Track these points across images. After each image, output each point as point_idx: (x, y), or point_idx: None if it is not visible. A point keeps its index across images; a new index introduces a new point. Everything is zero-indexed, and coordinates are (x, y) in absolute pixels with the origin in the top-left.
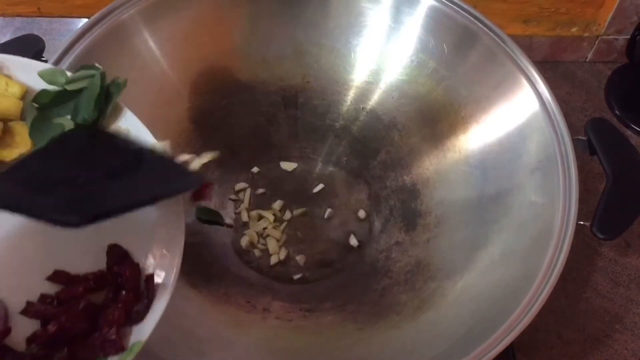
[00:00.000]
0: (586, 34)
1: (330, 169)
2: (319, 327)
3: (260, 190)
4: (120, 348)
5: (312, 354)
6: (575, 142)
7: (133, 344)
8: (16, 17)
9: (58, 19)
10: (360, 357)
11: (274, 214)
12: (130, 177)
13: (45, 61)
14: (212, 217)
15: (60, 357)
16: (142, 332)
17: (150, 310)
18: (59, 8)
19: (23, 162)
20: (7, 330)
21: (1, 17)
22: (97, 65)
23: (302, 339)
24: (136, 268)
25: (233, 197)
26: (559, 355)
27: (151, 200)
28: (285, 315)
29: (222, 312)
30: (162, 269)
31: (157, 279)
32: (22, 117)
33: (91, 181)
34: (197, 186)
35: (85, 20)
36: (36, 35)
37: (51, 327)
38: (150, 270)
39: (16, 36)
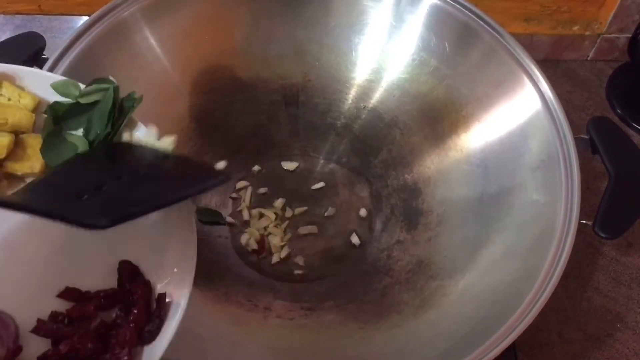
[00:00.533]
0: (587, 33)
1: (332, 167)
2: (320, 326)
3: (262, 189)
4: None
5: (313, 352)
6: (577, 140)
7: None
8: (16, 15)
9: (58, 16)
10: (361, 356)
11: (275, 213)
12: (154, 180)
13: (46, 59)
14: (212, 218)
15: None
16: (153, 353)
17: (162, 331)
18: (59, 5)
19: (47, 177)
20: (19, 349)
21: (1, 15)
22: (111, 78)
23: (303, 338)
24: (147, 286)
25: (234, 195)
26: (561, 355)
27: (175, 199)
28: (287, 314)
29: (223, 311)
30: (174, 288)
31: (169, 299)
32: (34, 129)
33: (115, 187)
34: (223, 183)
35: (85, 18)
36: (37, 33)
37: (63, 347)
38: (161, 289)
39: (16, 34)
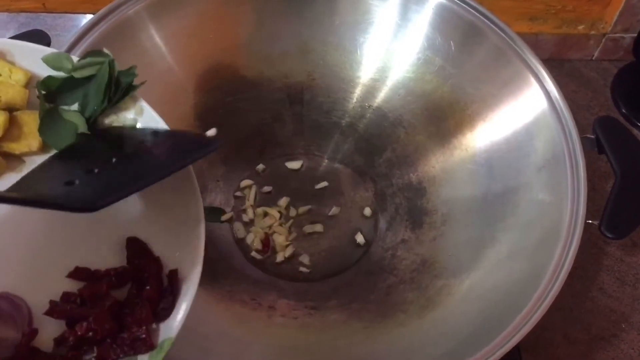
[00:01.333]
0: (593, 32)
1: (336, 166)
2: (324, 325)
3: (266, 188)
4: (150, 346)
5: (317, 352)
6: (582, 140)
7: (163, 341)
8: (20, 13)
9: (63, 14)
10: (365, 355)
11: (280, 212)
12: (145, 156)
13: None
14: (215, 216)
15: (90, 357)
16: (170, 328)
17: (176, 306)
18: (63, 4)
19: (35, 171)
20: (34, 332)
21: (6, 13)
22: (105, 51)
23: (307, 337)
24: (157, 262)
25: (238, 194)
26: (565, 355)
27: (167, 172)
28: (291, 313)
29: (226, 310)
30: (184, 263)
31: (180, 274)
32: (27, 105)
33: (105, 169)
34: (215, 150)
35: (90, 16)
36: (42, 31)
37: (79, 329)
38: (172, 265)
39: (20, 32)
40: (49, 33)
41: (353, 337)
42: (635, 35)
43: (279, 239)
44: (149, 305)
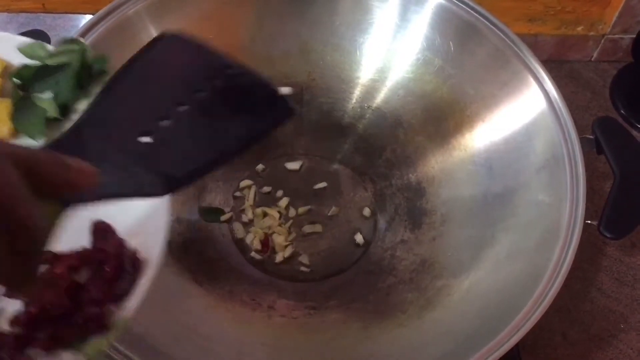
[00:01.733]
0: (592, 33)
1: (336, 166)
2: (324, 325)
3: (266, 188)
4: (103, 327)
5: (317, 352)
6: (582, 140)
7: (117, 322)
8: (20, 13)
9: (62, 14)
10: (365, 356)
11: (279, 212)
12: (216, 117)
13: None
14: (215, 216)
15: (45, 337)
16: (127, 309)
17: (134, 288)
18: (63, 4)
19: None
20: None
21: (5, 13)
22: (79, 39)
23: (307, 337)
24: (120, 243)
25: (237, 194)
26: (564, 355)
27: (248, 144)
28: (290, 313)
29: (226, 310)
30: (146, 245)
31: (141, 256)
32: (2, 93)
33: (171, 134)
34: (295, 114)
35: (90, 16)
36: (42, 31)
37: (33, 308)
38: (133, 247)
39: (20, 32)
40: (48, 33)
41: (353, 337)
42: (634, 36)
43: (279, 239)
44: (107, 285)
